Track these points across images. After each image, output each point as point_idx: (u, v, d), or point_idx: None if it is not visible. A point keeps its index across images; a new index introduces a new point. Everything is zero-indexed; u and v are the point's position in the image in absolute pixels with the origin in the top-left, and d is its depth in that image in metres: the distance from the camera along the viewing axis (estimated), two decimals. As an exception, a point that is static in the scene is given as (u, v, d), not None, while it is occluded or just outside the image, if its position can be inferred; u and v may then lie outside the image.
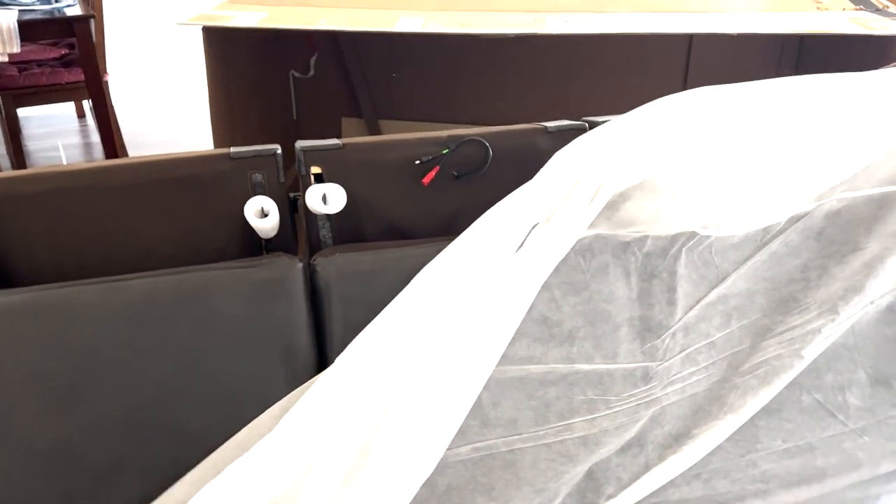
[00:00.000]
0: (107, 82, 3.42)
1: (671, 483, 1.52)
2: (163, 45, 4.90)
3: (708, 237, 1.40)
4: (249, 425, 1.33)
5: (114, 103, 3.61)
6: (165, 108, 4.76)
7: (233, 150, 1.40)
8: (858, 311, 1.48)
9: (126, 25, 4.66)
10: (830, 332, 1.47)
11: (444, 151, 1.45)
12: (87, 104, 4.42)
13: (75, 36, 3.04)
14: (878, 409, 1.58)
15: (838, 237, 1.47)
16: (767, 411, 1.52)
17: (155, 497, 1.33)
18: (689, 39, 2.77)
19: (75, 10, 3.10)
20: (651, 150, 1.41)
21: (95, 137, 4.15)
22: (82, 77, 3.19)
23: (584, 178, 1.34)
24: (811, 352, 1.47)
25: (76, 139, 4.29)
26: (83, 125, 4.49)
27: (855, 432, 1.59)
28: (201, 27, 2.16)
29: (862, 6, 2.31)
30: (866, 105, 1.48)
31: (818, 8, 2.34)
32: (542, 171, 1.38)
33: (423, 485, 1.42)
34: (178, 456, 1.34)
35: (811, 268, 1.49)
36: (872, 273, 1.45)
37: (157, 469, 1.33)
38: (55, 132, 4.36)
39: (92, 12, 3.17)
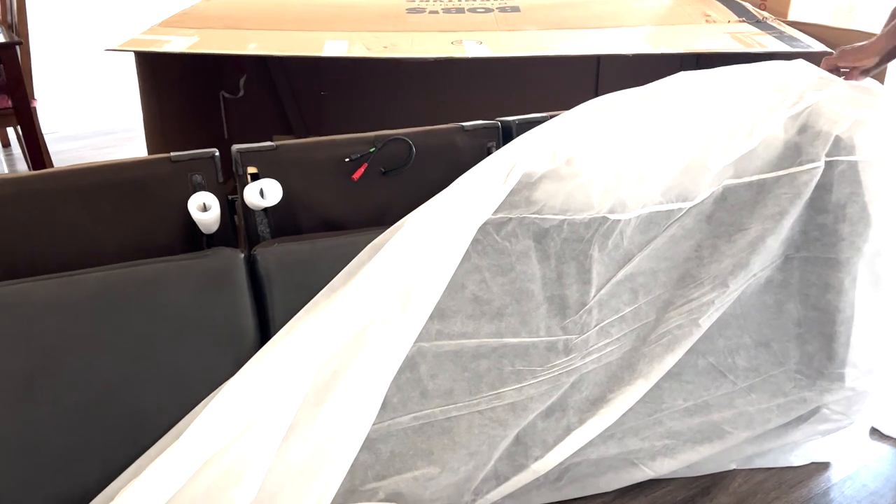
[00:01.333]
0: (35, 108, 3.41)
1: (590, 443, 1.67)
2: (91, 71, 4.86)
3: (618, 222, 1.55)
4: (200, 406, 1.42)
5: (42, 130, 3.59)
6: (95, 134, 4.72)
7: (173, 154, 1.49)
8: (744, 283, 1.67)
9: (53, 51, 4.62)
10: (722, 304, 1.65)
11: (372, 150, 1.57)
12: (11, 132, 4.34)
13: (1, 62, 3.02)
14: (762, 369, 1.77)
15: (726, 219, 1.65)
16: (670, 375, 1.69)
17: (112, 480, 1.39)
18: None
19: (0, 38, 3.09)
20: (561, 140, 1.55)
21: (22, 165, 4.04)
22: (10, 104, 3.17)
23: (499, 160, 1.48)
24: (706, 321, 1.64)
25: (1, 168, 4.21)
26: (8, 154, 4.37)
27: (744, 390, 1.77)
28: (133, 52, 2.21)
29: (744, 18, 2.54)
30: (745, 97, 1.65)
31: (706, 21, 2.57)
32: (479, 164, 1.51)
33: (368, 452, 1.53)
34: (136, 440, 1.40)
35: (704, 247, 1.66)
36: (755, 250, 1.63)
37: (115, 454, 1.40)
38: (-23, 164, 4.27)
39: (18, 38, 3.17)
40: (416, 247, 1.42)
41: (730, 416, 1.76)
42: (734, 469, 1.83)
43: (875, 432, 1.95)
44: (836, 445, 1.88)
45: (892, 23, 1.61)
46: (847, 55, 1.66)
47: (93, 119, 4.93)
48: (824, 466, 1.85)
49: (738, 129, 1.60)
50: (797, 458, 1.85)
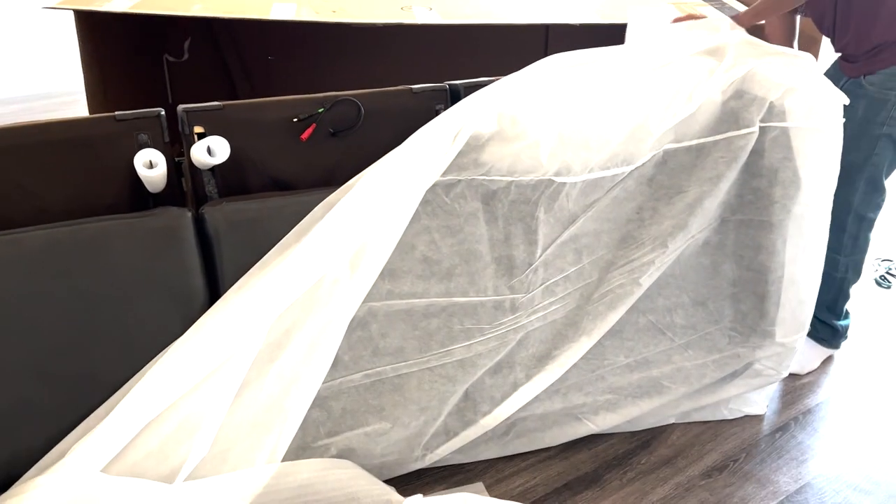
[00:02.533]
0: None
1: (536, 399, 1.73)
2: (29, 31, 4.66)
3: (563, 184, 1.59)
4: (150, 365, 1.42)
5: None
6: (35, 97, 4.55)
7: (118, 113, 1.47)
8: (682, 244, 1.73)
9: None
10: (661, 264, 1.71)
11: (320, 110, 1.57)
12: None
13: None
14: (699, 326, 1.85)
15: (666, 182, 1.70)
16: (612, 333, 1.75)
17: (61, 439, 1.39)
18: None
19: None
20: (508, 102, 1.58)
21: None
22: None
23: (447, 122, 1.50)
24: (647, 280, 1.71)
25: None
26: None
27: (681, 347, 1.85)
28: (72, 11, 2.14)
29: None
30: (683, 61, 1.71)
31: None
32: (426, 125, 1.52)
33: (320, 409, 1.56)
34: (84, 400, 1.40)
35: (645, 209, 1.71)
36: (693, 212, 1.69)
37: (63, 413, 1.39)
38: None
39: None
40: (367, 207, 1.44)
41: (668, 372, 1.83)
42: (673, 423, 1.91)
43: (791, 376, 2.06)
44: (767, 400, 1.98)
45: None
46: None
47: (31, 82, 4.77)
48: (758, 420, 1.95)
49: (679, 94, 1.65)
50: (731, 412, 1.94)
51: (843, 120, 1.70)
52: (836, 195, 1.78)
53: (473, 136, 1.51)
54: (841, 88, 1.88)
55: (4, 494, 1.33)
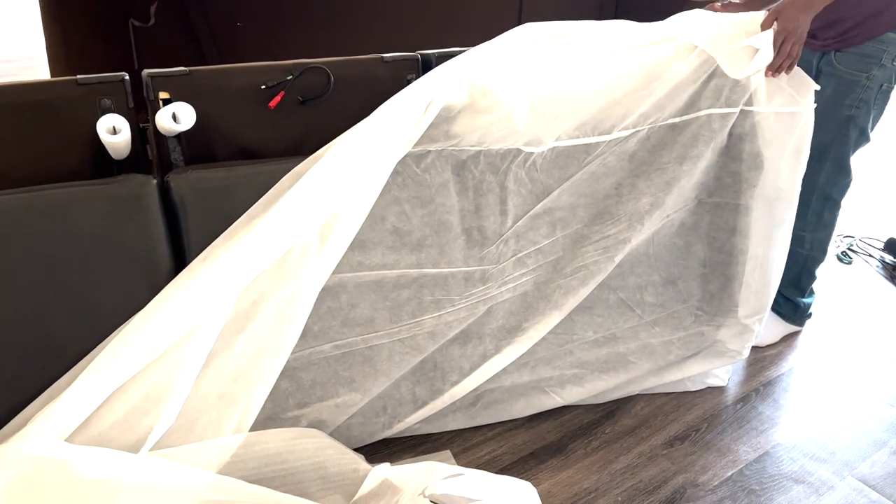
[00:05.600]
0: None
1: (504, 371, 1.74)
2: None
3: (531, 154, 1.58)
4: (115, 334, 1.40)
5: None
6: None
7: (80, 76, 1.43)
8: (658, 223, 1.74)
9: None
10: (636, 242, 1.72)
11: (289, 77, 1.55)
12: None
13: None
14: (667, 304, 1.87)
15: (646, 158, 1.70)
16: (582, 308, 1.76)
17: (24, 408, 1.38)
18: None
19: None
20: (479, 73, 1.56)
21: None
22: None
23: (418, 92, 1.48)
24: (620, 257, 1.71)
25: None
26: None
27: (649, 324, 1.87)
28: None
29: None
30: (662, 44, 1.68)
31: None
32: (397, 94, 1.50)
33: (289, 380, 1.55)
34: (46, 369, 1.38)
35: (623, 185, 1.71)
36: (670, 190, 1.69)
37: (26, 382, 1.38)
38: None
39: None
40: (337, 177, 1.42)
41: (634, 348, 1.86)
42: (637, 395, 1.94)
43: (754, 348, 2.10)
44: (729, 373, 2.02)
45: None
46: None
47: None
48: (720, 391, 1.98)
49: (658, 68, 1.64)
50: (694, 384, 1.97)
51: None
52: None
53: (445, 108, 1.49)
54: (816, 69, 1.89)
55: (-34, 462, 1.32)
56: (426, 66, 1.68)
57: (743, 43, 1.63)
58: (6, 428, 1.36)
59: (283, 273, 1.41)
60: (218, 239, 1.42)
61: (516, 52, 1.63)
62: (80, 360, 1.40)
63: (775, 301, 1.96)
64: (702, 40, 1.65)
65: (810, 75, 1.75)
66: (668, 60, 1.65)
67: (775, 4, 1.67)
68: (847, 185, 2.00)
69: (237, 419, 1.43)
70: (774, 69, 1.63)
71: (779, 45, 1.62)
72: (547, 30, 1.66)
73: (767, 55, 1.62)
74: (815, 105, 1.71)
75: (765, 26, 1.63)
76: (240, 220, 1.43)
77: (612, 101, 1.61)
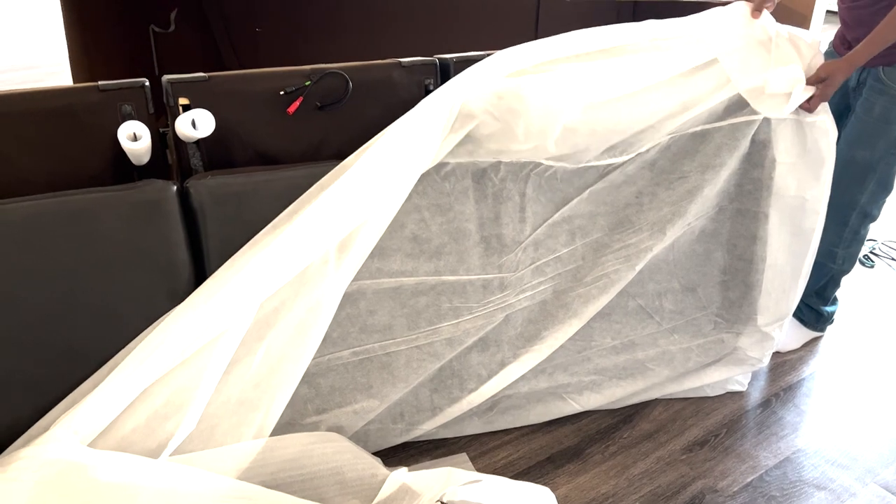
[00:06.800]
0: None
1: (522, 377, 1.74)
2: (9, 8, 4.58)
3: (551, 165, 1.57)
4: (137, 339, 1.42)
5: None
6: (18, 68, 4.48)
7: (101, 82, 1.44)
8: (680, 231, 1.72)
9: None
10: (658, 250, 1.71)
11: (307, 83, 1.55)
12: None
13: None
14: (686, 312, 1.86)
15: (668, 167, 1.68)
16: (600, 315, 1.76)
17: (47, 411, 1.39)
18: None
19: None
20: (504, 83, 1.53)
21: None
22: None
23: (443, 102, 1.46)
24: (641, 266, 1.70)
25: None
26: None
27: (668, 331, 1.86)
28: None
29: None
30: (687, 49, 1.62)
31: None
32: (422, 102, 1.48)
33: (308, 386, 1.56)
34: (69, 372, 1.40)
35: (644, 194, 1.69)
36: (693, 199, 1.68)
37: (49, 386, 1.39)
38: None
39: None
40: (362, 190, 1.41)
41: (653, 355, 1.85)
42: (656, 399, 1.93)
43: (775, 353, 2.08)
44: (749, 377, 2.00)
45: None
46: None
47: (15, 53, 4.69)
48: (740, 396, 1.97)
49: (696, 101, 1.61)
50: (713, 390, 1.96)
51: (859, 114, 1.67)
52: (843, 191, 1.76)
53: (468, 116, 1.48)
54: (858, 81, 1.83)
55: (-10, 464, 1.33)
56: (444, 70, 1.68)
57: (778, 90, 1.60)
58: (30, 431, 1.38)
59: (304, 282, 1.42)
60: (244, 247, 1.43)
61: (542, 61, 1.57)
62: (102, 363, 1.42)
63: (798, 308, 1.93)
64: (736, 73, 1.61)
65: (849, 87, 1.71)
66: (710, 91, 1.61)
67: (822, 64, 1.62)
68: (885, 200, 1.95)
69: (257, 425, 1.45)
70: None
71: (814, 101, 1.61)
72: (570, 42, 1.59)
73: (798, 102, 1.61)
74: (863, 121, 1.68)
75: (810, 82, 1.60)
76: (265, 229, 1.43)
77: (646, 127, 1.60)
